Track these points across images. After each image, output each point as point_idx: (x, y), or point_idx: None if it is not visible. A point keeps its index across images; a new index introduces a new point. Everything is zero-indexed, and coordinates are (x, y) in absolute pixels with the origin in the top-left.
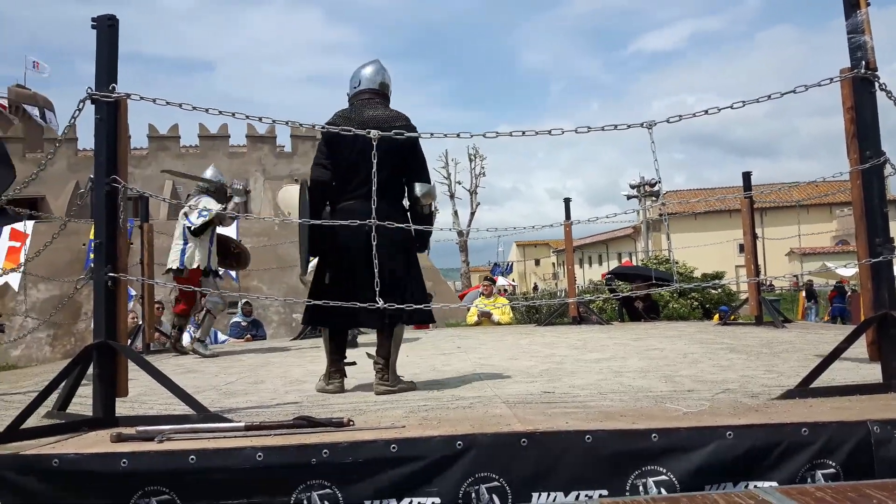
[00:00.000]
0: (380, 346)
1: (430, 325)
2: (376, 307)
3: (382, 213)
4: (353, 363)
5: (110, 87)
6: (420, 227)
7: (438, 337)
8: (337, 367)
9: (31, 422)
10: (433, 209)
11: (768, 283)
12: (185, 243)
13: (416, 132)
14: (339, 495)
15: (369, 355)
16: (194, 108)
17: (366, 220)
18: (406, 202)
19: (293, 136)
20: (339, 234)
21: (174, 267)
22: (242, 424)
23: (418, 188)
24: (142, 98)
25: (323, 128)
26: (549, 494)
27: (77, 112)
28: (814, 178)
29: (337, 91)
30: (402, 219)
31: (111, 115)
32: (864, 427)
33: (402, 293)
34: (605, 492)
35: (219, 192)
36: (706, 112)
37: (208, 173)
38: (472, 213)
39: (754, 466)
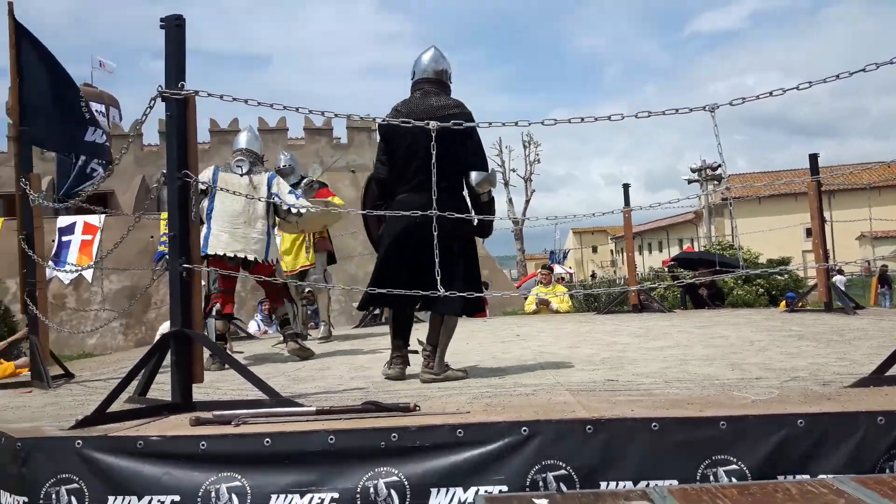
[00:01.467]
0: (431, 333)
1: (485, 314)
2: (428, 295)
3: (438, 204)
4: (416, 351)
5: (179, 85)
6: (466, 216)
7: (496, 325)
8: (399, 353)
9: (115, 406)
10: (491, 196)
11: (837, 268)
12: (271, 232)
13: (472, 118)
14: (406, 483)
15: (420, 342)
16: (259, 103)
17: (420, 210)
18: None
19: (349, 127)
20: (394, 225)
21: (256, 259)
22: (313, 409)
23: (473, 176)
24: (209, 95)
25: (382, 120)
26: (616, 483)
27: (148, 109)
28: (885, 159)
29: (391, 82)
30: (460, 207)
31: (181, 112)
32: None
33: (453, 284)
34: (674, 482)
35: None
36: (771, 94)
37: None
38: (527, 201)
39: (828, 456)
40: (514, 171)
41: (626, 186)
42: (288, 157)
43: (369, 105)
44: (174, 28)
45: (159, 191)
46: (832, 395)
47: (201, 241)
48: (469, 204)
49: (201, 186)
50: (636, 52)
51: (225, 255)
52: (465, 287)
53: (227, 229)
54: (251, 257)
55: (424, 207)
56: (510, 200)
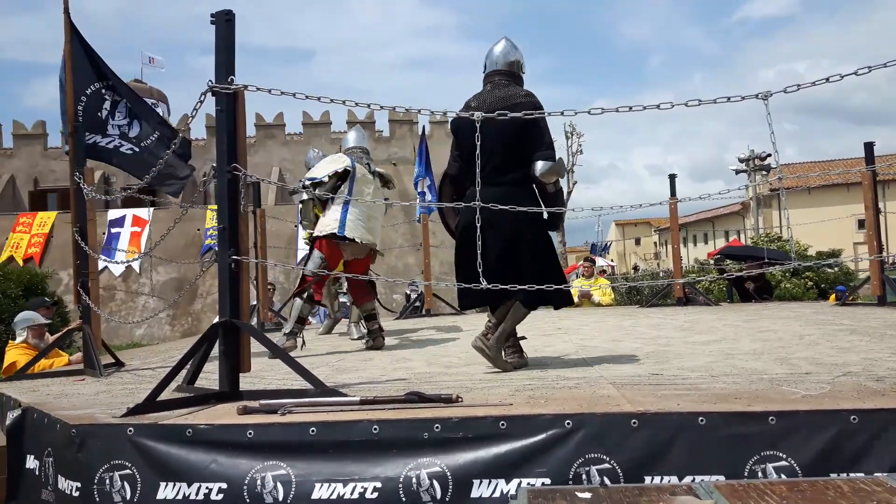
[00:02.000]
0: (501, 310)
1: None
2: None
3: (500, 195)
4: (523, 338)
5: (229, 80)
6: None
7: (538, 318)
8: (510, 343)
9: (164, 395)
10: (559, 186)
11: (891, 260)
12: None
13: (539, 107)
14: (448, 474)
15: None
16: (307, 97)
17: (484, 202)
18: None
19: (391, 120)
20: (465, 216)
21: (377, 252)
22: (357, 399)
23: (538, 166)
24: (259, 89)
25: (454, 114)
26: (662, 478)
27: (199, 104)
28: None
29: (432, 75)
30: (528, 198)
31: (230, 106)
32: None
33: (532, 274)
34: (721, 477)
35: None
36: (828, 80)
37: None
38: (570, 192)
39: (883, 453)
40: None
41: (672, 177)
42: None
43: (410, 98)
44: (224, 23)
45: (207, 184)
46: (886, 391)
47: (334, 223)
48: (538, 195)
49: (338, 170)
50: (682, 39)
51: (356, 240)
52: (546, 278)
53: (363, 218)
54: (378, 248)
55: (493, 200)
56: None
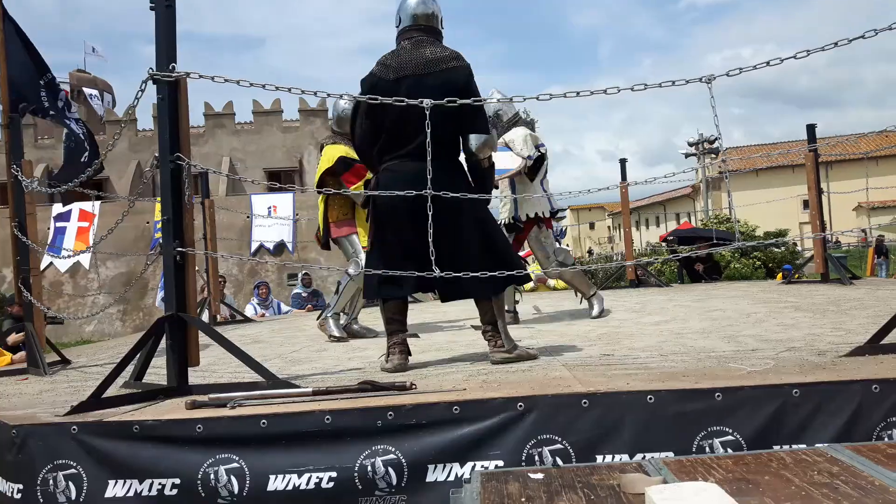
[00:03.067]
0: (484, 313)
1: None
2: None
3: (442, 169)
4: (416, 335)
5: (170, 67)
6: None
7: None
8: (398, 339)
9: (111, 391)
10: (492, 161)
11: (834, 239)
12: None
13: (471, 72)
14: (403, 461)
15: (475, 327)
16: (251, 84)
17: (415, 180)
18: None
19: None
20: (389, 197)
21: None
22: (310, 390)
23: (473, 140)
24: (200, 76)
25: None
26: (613, 457)
27: (140, 93)
28: (883, 127)
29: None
30: (460, 176)
31: (172, 95)
32: None
33: (482, 256)
34: (670, 454)
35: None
36: (768, 63)
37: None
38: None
39: (824, 425)
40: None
41: (622, 161)
42: None
43: None
44: (164, 9)
45: (152, 174)
46: (827, 365)
47: (546, 201)
48: (466, 169)
49: (542, 149)
50: (632, 26)
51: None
52: (496, 257)
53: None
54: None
55: (422, 175)
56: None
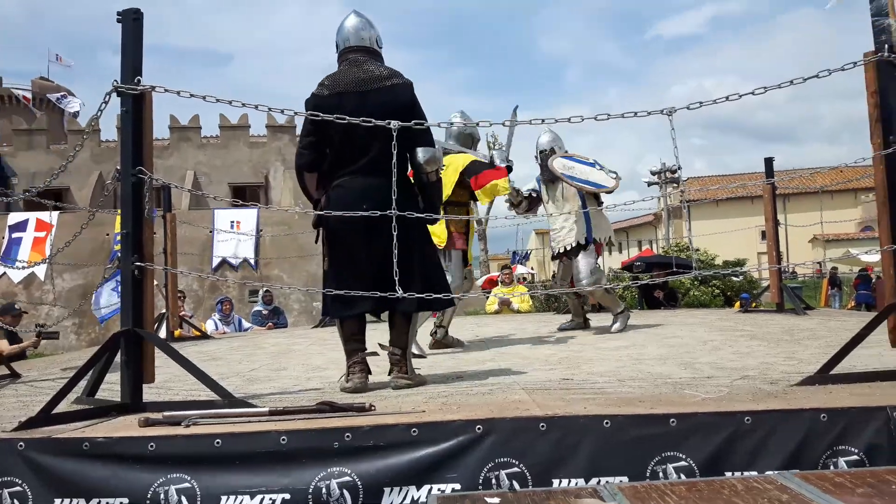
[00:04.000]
0: (398, 336)
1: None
2: (397, 296)
3: (385, 189)
4: (376, 353)
5: (135, 80)
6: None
7: (457, 325)
8: (359, 359)
9: (62, 407)
10: (438, 175)
11: (791, 270)
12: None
13: (413, 89)
14: (359, 483)
15: (382, 346)
16: (217, 100)
17: (366, 195)
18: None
19: None
20: (339, 210)
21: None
22: (266, 409)
23: (420, 154)
24: (166, 90)
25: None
26: (569, 481)
27: (103, 105)
28: (838, 163)
29: None
30: (410, 191)
31: (137, 108)
32: (883, 413)
33: (419, 277)
34: (625, 478)
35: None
36: (727, 98)
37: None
38: (491, 202)
39: (774, 452)
40: None
41: None
42: None
43: None
44: (131, 21)
45: (113, 187)
46: (779, 394)
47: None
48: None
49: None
50: (599, 54)
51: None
52: (429, 279)
53: None
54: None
55: (374, 191)
56: (474, 200)
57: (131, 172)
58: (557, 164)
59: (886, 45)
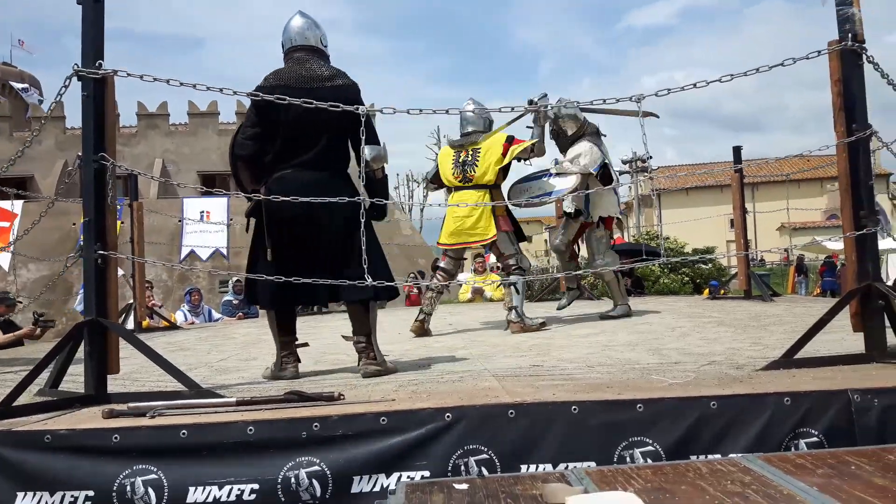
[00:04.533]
0: (360, 324)
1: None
2: (350, 284)
3: (330, 182)
4: (306, 344)
5: (97, 64)
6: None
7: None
8: (290, 350)
9: (24, 399)
10: (385, 172)
11: (759, 257)
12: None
13: (359, 89)
14: (328, 472)
15: (346, 337)
16: (182, 83)
17: (308, 188)
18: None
19: None
20: (282, 206)
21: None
22: (233, 400)
23: (368, 151)
24: (129, 75)
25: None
26: (537, 466)
27: (63, 89)
28: (805, 153)
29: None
30: (349, 186)
31: (98, 92)
32: (844, 396)
33: (364, 267)
34: (592, 463)
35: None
36: (694, 86)
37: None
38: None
39: (738, 436)
40: None
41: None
42: None
43: None
44: (92, 3)
45: (75, 173)
46: (744, 378)
47: (615, 206)
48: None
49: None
50: (573, 46)
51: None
52: (376, 270)
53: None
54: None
55: (317, 185)
56: (448, 190)
57: (93, 159)
58: (514, 194)
59: (850, 34)
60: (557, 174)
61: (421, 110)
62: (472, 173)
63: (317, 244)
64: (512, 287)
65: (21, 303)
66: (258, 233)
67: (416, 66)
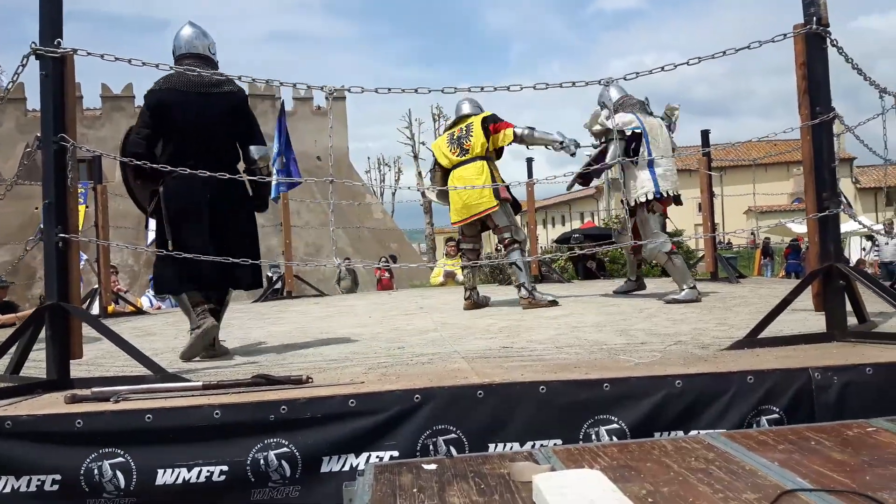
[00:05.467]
0: (223, 306)
1: (393, 287)
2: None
3: (223, 179)
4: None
5: (55, 42)
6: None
7: (401, 298)
8: (201, 306)
9: None
10: (269, 170)
11: (726, 241)
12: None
13: (246, 96)
14: (297, 453)
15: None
16: (144, 63)
17: (206, 186)
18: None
19: (251, 94)
20: (182, 197)
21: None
22: (200, 384)
23: (254, 151)
24: (89, 54)
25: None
26: (505, 445)
27: (21, 68)
28: (770, 137)
29: (296, 49)
30: (240, 182)
31: (57, 71)
32: (805, 374)
33: (250, 257)
34: (559, 441)
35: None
36: (662, 69)
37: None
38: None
39: (702, 413)
40: (423, 143)
41: (529, 161)
42: None
43: (272, 73)
44: None
45: (34, 155)
46: (709, 357)
47: (652, 183)
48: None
49: (627, 131)
50: (544, 30)
51: (669, 193)
52: (256, 259)
53: (670, 167)
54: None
55: (215, 182)
56: (420, 174)
57: (52, 139)
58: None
59: (815, 18)
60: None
61: (389, 89)
62: (468, 143)
63: (214, 233)
64: (514, 265)
65: (13, 283)
66: (160, 230)
67: (387, 48)
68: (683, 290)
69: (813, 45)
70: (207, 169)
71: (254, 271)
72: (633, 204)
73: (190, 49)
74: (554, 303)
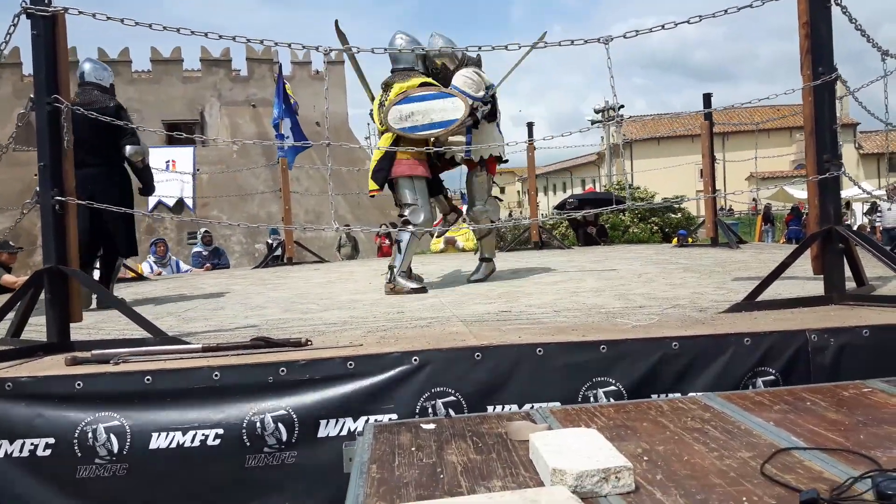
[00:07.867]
0: (115, 273)
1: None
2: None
3: (100, 174)
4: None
5: (46, 1)
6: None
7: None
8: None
9: None
10: (146, 163)
11: (728, 206)
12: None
13: (121, 109)
14: (294, 417)
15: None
16: (137, 23)
17: (84, 182)
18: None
19: (249, 59)
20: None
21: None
22: (199, 346)
23: (128, 150)
24: (80, 13)
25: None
26: (503, 407)
27: (12, 27)
28: (773, 100)
29: (293, 12)
30: (119, 174)
31: (48, 31)
32: (802, 336)
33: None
34: (557, 403)
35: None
36: (663, 27)
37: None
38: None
39: (699, 375)
40: None
41: (529, 125)
42: None
43: (269, 36)
44: None
45: (26, 118)
46: (706, 320)
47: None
48: (130, 171)
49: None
50: None
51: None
52: (130, 237)
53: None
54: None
55: (91, 179)
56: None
57: (46, 101)
58: (392, 120)
59: None
60: (446, 96)
61: (385, 49)
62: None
63: (94, 219)
64: (395, 245)
65: (22, 249)
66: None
67: (381, 11)
68: (484, 262)
69: (816, 4)
70: (83, 168)
71: (131, 246)
72: (476, 160)
73: (87, 78)
74: (422, 290)
